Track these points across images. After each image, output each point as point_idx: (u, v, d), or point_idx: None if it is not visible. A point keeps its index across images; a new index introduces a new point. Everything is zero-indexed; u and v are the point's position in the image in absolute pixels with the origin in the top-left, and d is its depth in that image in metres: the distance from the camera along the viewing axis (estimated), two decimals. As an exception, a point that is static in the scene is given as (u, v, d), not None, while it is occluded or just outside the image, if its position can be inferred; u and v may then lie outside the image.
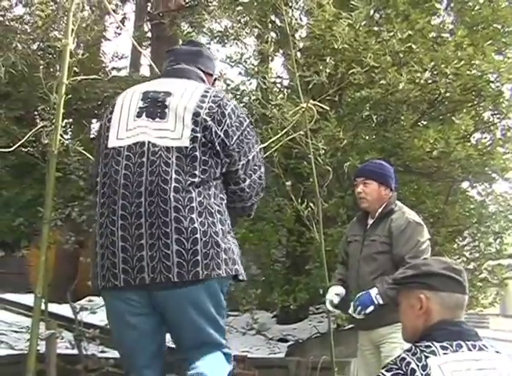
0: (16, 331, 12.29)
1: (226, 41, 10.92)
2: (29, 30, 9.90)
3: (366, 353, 5.41)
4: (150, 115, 3.45)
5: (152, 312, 3.35)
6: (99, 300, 13.10)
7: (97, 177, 3.44)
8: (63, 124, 9.92)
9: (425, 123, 9.67)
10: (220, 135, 3.47)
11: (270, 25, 10.08)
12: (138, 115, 3.46)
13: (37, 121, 10.26)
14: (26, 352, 10.84)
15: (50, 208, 4.47)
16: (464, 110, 9.58)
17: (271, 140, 6.32)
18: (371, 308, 5.00)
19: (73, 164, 8.74)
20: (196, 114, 3.43)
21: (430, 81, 9.07)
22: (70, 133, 11.36)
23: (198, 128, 3.41)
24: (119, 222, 3.25)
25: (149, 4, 15.33)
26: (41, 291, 4.22)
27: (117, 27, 13.50)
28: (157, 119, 3.44)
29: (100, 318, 11.45)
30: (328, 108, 8.10)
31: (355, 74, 8.62)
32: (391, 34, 9.05)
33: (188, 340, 3.41)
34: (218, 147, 3.46)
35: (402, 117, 9.24)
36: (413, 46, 9.05)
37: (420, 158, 8.99)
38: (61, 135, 9.75)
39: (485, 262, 10.27)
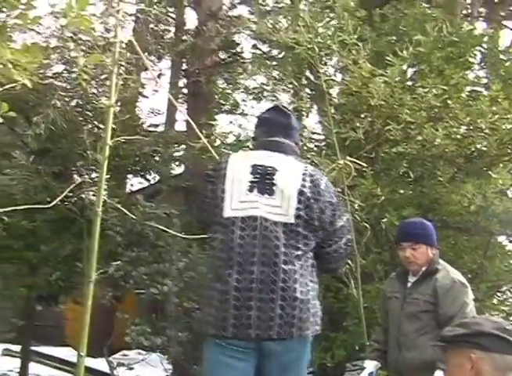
0: (51, 385, 12.40)
1: (262, 97, 11.01)
2: (68, 87, 10.03)
3: (407, 413, 5.35)
4: (261, 191, 3.96)
5: (246, 358, 3.92)
6: (133, 354, 13.16)
7: (214, 240, 3.99)
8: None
9: (462, 178, 9.60)
10: (318, 212, 4.01)
11: (305, 81, 10.12)
12: (250, 190, 3.97)
13: (75, 176, 10.44)
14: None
15: (94, 267, 4.50)
16: (501, 165, 9.52)
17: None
18: None
19: (111, 219, 8.85)
20: (300, 193, 3.96)
21: (466, 136, 9.04)
22: (107, 189, 11.44)
23: (301, 206, 3.94)
24: (233, 284, 3.81)
25: (185, 60, 15.50)
26: (84, 350, 4.21)
27: (155, 84, 13.64)
28: (266, 195, 3.95)
29: (136, 373, 11.47)
30: (365, 165, 8.15)
31: (392, 131, 8.63)
32: (426, 90, 9.07)
33: None
34: (316, 223, 4.01)
35: (439, 172, 9.21)
36: (449, 101, 9.06)
37: (458, 213, 8.94)
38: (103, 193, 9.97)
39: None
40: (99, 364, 11.38)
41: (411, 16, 10.07)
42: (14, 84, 4.49)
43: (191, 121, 6.06)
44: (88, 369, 9.92)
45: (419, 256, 5.27)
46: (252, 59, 12.10)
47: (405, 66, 9.78)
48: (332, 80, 9.32)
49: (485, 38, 10.13)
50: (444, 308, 5.10)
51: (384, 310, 5.57)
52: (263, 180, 4.00)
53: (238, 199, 3.96)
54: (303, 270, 3.96)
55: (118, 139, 4.91)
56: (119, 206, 7.78)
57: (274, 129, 4.26)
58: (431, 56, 9.51)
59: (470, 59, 10.05)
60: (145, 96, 13.33)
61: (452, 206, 8.87)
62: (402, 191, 9.29)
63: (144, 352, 12.42)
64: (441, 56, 9.62)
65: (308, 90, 10.50)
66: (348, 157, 7.27)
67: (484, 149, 9.20)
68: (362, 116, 8.92)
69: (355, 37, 8.58)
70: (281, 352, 3.91)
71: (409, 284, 5.37)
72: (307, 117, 10.60)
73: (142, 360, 9.70)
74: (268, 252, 3.87)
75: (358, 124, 8.71)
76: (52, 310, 13.80)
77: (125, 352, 13.60)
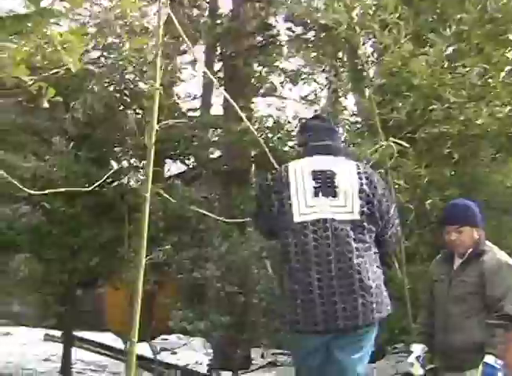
0: (93, 370, 12.42)
1: (299, 80, 10.91)
2: (106, 73, 10.02)
3: (454, 396, 5.27)
4: (325, 194, 4.31)
5: (323, 347, 4.34)
6: (173, 339, 13.18)
7: (287, 246, 4.31)
8: (141, 165, 10.04)
9: (504, 157, 9.46)
10: (377, 206, 4.39)
11: (344, 62, 10.00)
12: (316, 194, 4.31)
13: (114, 162, 10.43)
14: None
15: (144, 252, 4.45)
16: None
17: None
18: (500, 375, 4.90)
19: (153, 205, 8.82)
20: (360, 192, 4.34)
21: (509, 115, 8.88)
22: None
23: (363, 203, 4.33)
24: (315, 283, 4.18)
25: (219, 44, 15.39)
26: (135, 336, 4.16)
27: (192, 68, 13.60)
28: (331, 197, 4.30)
29: (177, 357, 11.52)
30: (407, 145, 8.04)
31: (434, 111, 8.50)
32: (467, 69, 8.93)
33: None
34: (377, 215, 4.39)
35: (481, 153, 9.07)
36: (490, 80, 8.90)
37: (501, 193, 8.80)
38: (138, 176, 9.96)
39: None
40: (140, 349, 11.42)
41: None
42: (58, 70, 4.45)
43: (232, 102, 5.96)
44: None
45: (464, 239, 5.20)
46: (288, 42, 11.99)
47: (444, 46, 9.64)
48: (373, 60, 9.14)
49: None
50: (491, 290, 5.02)
51: (430, 293, 5.48)
52: (325, 184, 4.35)
53: (305, 204, 4.31)
54: (371, 260, 4.34)
55: (166, 122, 4.84)
56: (160, 191, 7.71)
57: (320, 134, 4.61)
58: (471, 34, 9.34)
59: (511, 37, 9.89)
60: (182, 80, 13.26)
61: (495, 186, 8.71)
62: (444, 172, 9.13)
63: (183, 337, 12.48)
64: (481, 34, 9.46)
65: (346, 71, 10.39)
66: (391, 138, 7.19)
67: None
68: (404, 97, 8.78)
69: (396, 16, 8.42)
70: (358, 336, 4.34)
71: (455, 267, 5.29)
72: (345, 98, 10.47)
73: (185, 345, 9.67)
74: (341, 249, 4.24)
75: (400, 105, 8.60)
76: (90, 296, 13.87)
77: (165, 336, 13.63)
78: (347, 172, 4.43)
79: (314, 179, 4.37)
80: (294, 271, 4.28)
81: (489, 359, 4.88)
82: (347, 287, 4.23)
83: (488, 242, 5.32)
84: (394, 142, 6.82)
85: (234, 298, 8.70)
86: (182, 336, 12.54)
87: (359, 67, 8.45)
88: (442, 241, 5.46)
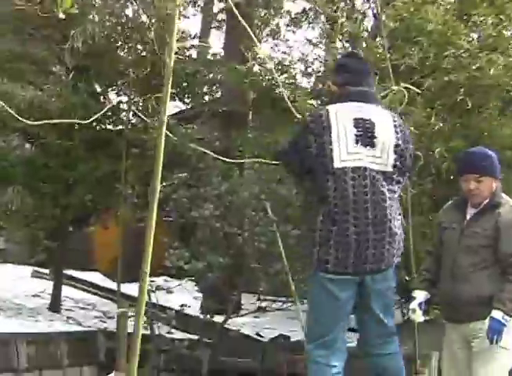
0: (82, 308, 12.31)
1: (309, 21, 10.67)
2: (107, 4, 9.73)
3: (455, 348, 5.08)
4: (364, 144, 4.39)
5: (350, 288, 4.46)
6: (161, 282, 13.04)
7: (326, 189, 4.37)
8: (141, 100, 9.81)
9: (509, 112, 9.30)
10: (408, 159, 4.57)
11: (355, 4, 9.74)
12: (356, 142, 4.37)
13: (114, 96, 10.18)
14: (93, 329, 10.98)
15: (158, 184, 4.25)
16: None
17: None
18: (504, 330, 4.75)
19: (152, 141, 8.63)
20: (395, 146, 4.46)
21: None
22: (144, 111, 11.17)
23: (396, 157, 4.46)
24: (352, 228, 4.33)
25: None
26: (147, 267, 4.00)
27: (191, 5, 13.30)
28: (368, 147, 4.39)
29: (166, 299, 11.36)
30: (419, 91, 7.84)
31: (447, 58, 8.32)
32: (482, 18, 8.72)
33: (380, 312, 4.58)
34: (405, 168, 4.57)
35: (490, 105, 8.89)
36: (504, 32, 8.71)
37: (509, 147, 8.64)
38: (138, 111, 9.71)
39: None
40: (128, 289, 11.30)
41: None
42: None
43: (250, 31, 5.61)
44: (124, 295, 9.86)
45: (484, 188, 4.96)
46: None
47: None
48: (387, 4, 8.88)
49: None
50: (505, 244, 4.83)
51: (439, 240, 5.23)
52: (365, 133, 4.40)
53: (346, 151, 4.36)
54: (397, 209, 4.51)
55: (183, 44, 4.61)
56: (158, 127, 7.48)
57: (358, 78, 4.59)
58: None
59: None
60: (185, 16, 12.97)
61: (503, 140, 8.55)
62: (451, 122, 8.97)
63: (169, 279, 12.35)
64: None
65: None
66: (402, 83, 7.00)
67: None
68: (416, 43, 8.59)
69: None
70: (381, 280, 4.51)
71: (468, 216, 5.05)
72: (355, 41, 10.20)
73: (179, 285, 9.54)
74: (376, 198, 4.38)
75: (411, 51, 8.41)
76: (80, 234, 13.70)
77: (152, 278, 13.47)
78: (385, 124, 4.50)
79: (355, 127, 4.41)
80: (333, 213, 4.38)
81: (497, 314, 4.73)
82: (379, 234, 4.41)
83: (504, 195, 5.10)
84: (405, 87, 6.55)
85: (232, 240, 8.54)
86: (168, 278, 12.42)
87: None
88: (460, 189, 5.28)
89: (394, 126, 4.51)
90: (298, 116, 5.71)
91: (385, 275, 4.53)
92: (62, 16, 3.75)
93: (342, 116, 4.43)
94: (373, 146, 4.42)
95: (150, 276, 10.59)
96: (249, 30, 4.85)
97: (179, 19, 12.63)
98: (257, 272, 8.70)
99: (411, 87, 6.81)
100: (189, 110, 12.43)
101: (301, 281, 8.20)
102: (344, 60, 4.90)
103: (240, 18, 4.64)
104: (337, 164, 4.36)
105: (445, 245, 5.17)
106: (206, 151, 7.28)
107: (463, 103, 8.75)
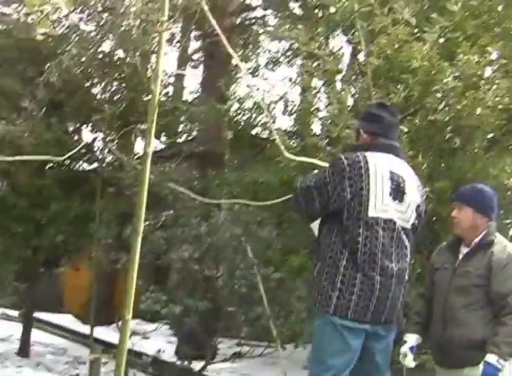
0: (53, 353, 11.91)
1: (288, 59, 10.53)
2: (84, 39, 9.48)
3: (447, 393, 4.95)
4: (396, 197, 4.50)
5: (359, 337, 4.48)
6: (132, 325, 12.64)
7: (357, 236, 4.40)
8: (116, 137, 9.54)
9: (499, 151, 9.17)
10: (422, 220, 4.72)
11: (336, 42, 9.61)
12: (390, 195, 4.47)
13: (88, 133, 9.90)
14: (64, 375, 10.57)
15: (142, 221, 3.99)
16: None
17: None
18: (500, 375, 4.58)
19: (128, 179, 8.36)
20: (418, 206, 4.64)
21: (506, 108, 8.58)
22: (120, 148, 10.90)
23: (416, 216, 4.61)
24: (377, 278, 4.38)
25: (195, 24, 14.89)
26: (129, 315, 3.71)
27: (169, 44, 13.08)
28: (397, 202, 4.51)
29: (140, 344, 10.98)
30: (406, 129, 7.68)
31: (430, 97, 8.18)
32: (466, 57, 8.60)
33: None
34: (418, 227, 4.71)
35: (475, 144, 8.74)
36: (488, 71, 8.60)
37: (494, 188, 8.46)
38: (113, 149, 9.45)
39: None
40: (100, 333, 10.92)
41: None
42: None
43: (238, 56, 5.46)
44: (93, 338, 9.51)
45: (462, 218, 4.93)
46: (277, 21, 11.62)
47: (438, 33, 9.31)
48: (370, 42, 8.72)
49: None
50: (497, 284, 4.69)
51: (431, 281, 5.12)
52: (398, 188, 4.51)
53: (381, 201, 4.45)
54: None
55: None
56: (136, 165, 7.24)
57: (390, 131, 4.68)
58: (465, 24, 9.04)
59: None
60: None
61: (490, 181, 8.37)
62: (436, 162, 8.80)
63: (142, 323, 12.01)
64: (476, 24, 9.15)
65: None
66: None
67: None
68: (399, 81, 8.44)
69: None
70: (390, 331, 4.61)
71: (460, 256, 4.94)
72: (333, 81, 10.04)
73: (155, 330, 9.18)
74: (401, 252, 4.51)
75: (395, 90, 8.26)
76: (50, 275, 13.35)
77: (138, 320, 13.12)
78: (412, 181, 4.65)
79: (391, 179, 4.50)
80: (361, 261, 4.42)
81: (491, 358, 4.54)
82: (399, 285, 4.50)
83: (498, 234, 4.99)
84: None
85: (210, 283, 8.24)
86: (141, 321, 12.09)
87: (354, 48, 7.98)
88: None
89: (418, 186, 4.70)
90: (287, 155, 5.59)
91: (393, 326, 4.61)
92: (40, 37, 3.53)
93: (380, 166, 4.49)
94: (401, 201, 4.54)
95: (119, 319, 10.17)
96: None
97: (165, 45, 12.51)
98: (237, 316, 8.40)
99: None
100: (166, 149, 12.22)
101: (282, 326, 7.99)
102: (378, 111, 4.83)
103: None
104: (371, 213, 4.43)
105: (436, 286, 5.05)
106: (184, 191, 7.04)
107: (449, 142, 8.61)
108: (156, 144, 11.92)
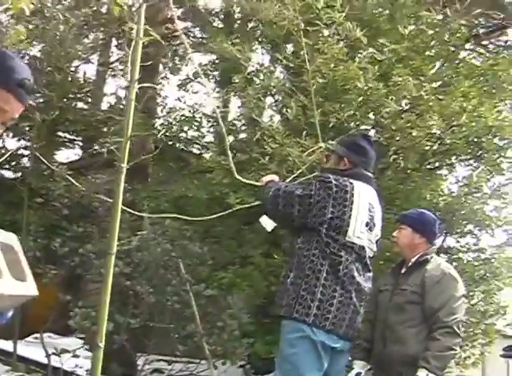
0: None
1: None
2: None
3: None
4: (369, 228, 4.72)
5: (328, 355, 4.61)
6: (47, 339, 12.21)
7: (338, 253, 4.59)
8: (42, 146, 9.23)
9: (431, 172, 9.31)
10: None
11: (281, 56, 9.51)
12: (367, 225, 4.69)
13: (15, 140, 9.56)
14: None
15: (115, 239, 3.83)
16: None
17: (288, 180, 5.81)
18: None
19: (58, 190, 8.07)
20: (378, 238, 4.88)
21: (441, 131, 8.73)
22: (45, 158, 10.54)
23: (375, 247, 4.85)
24: (354, 299, 4.59)
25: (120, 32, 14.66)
26: (102, 341, 3.53)
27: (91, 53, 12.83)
28: (369, 231, 4.72)
29: (56, 360, 10.60)
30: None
31: (368, 117, 8.24)
32: (401, 79, 8.69)
33: None
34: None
35: (409, 165, 8.85)
36: (423, 93, 8.71)
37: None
38: (43, 159, 9.11)
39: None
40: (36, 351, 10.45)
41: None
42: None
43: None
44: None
45: (401, 237, 5.25)
46: (212, 33, 11.53)
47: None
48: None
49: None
50: (430, 300, 4.87)
51: (374, 304, 5.21)
52: (372, 219, 4.73)
53: (359, 229, 4.63)
54: None
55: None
56: (67, 176, 7.01)
57: (369, 163, 4.90)
58: (399, 47, 9.16)
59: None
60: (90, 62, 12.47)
61: (421, 201, 8.50)
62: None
63: (56, 337, 11.63)
64: (407, 47, 9.28)
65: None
66: (329, 142, 6.94)
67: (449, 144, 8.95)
68: (335, 100, 8.49)
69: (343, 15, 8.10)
70: (347, 351, 4.78)
71: (400, 276, 5.16)
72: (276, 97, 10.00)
73: (82, 347, 8.81)
74: (369, 275, 4.76)
75: (331, 109, 8.30)
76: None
77: (37, 335, 12.67)
78: (379, 214, 4.86)
79: (369, 210, 4.70)
80: (342, 275, 4.59)
81: (421, 373, 4.67)
82: (364, 305, 4.71)
83: (435, 255, 5.28)
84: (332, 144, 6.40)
85: (141, 299, 8.01)
86: (53, 335, 11.71)
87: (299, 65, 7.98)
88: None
89: (382, 216, 4.92)
90: (238, 177, 5.46)
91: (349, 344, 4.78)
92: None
93: (363, 196, 4.68)
94: (371, 231, 4.74)
95: (30, 333, 9.72)
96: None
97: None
98: (168, 333, 8.20)
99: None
100: (88, 159, 11.90)
101: (214, 343, 7.86)
102: (363, 143, 4.99)
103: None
104: (349, 237, 4.60)
105: (378, 307, 5.20)
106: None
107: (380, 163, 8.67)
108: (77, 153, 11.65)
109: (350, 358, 5.19)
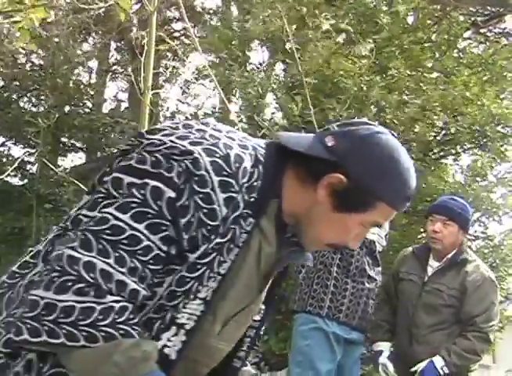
0: None
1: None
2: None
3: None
4: None
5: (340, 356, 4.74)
6: None
7: (351, 251, 4.66)
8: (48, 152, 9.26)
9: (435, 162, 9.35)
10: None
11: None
12: None
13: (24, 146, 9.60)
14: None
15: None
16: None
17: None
18: None
19: (67, 195, 8.10)
20: (387, 229, 5.08)
21: (443, 122, 8.75)
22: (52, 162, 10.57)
23: (385, 238, 5.02)
24: (366, 291, 4.75)
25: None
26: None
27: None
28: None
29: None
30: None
31: (365, 112, 8.25)
32: (397, 71, 8.71)
33: None
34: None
35: (413, 156, 8.85)
36: (421, 84, 8.72)
37: (425, 200, 8.56)
38: (53, 166, 9.15)
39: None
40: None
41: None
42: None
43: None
44: None
45: (447, 234, 4.59)
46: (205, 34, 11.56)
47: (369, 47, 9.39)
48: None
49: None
50: (469, 305, 4.53)
51: (395, 290, 4.85)
52: None
53: None
54: None
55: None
56: (75, 180, 7.04)
57: None
58: (401, 39, 9.16)
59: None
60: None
61: (429, 190, 8.51)
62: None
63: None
64: (409, 39, 9.29)
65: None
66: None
67: (453, 133, 8.98)
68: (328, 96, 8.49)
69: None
70: (361, 342, 4.91)
71: (429, 269, 4.70)
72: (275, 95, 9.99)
73: None
74: (377, 269, 4.86)
75: (328, 106, 8.27)
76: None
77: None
78: None
79: None
80: (353, 268, 4.70)
81: (438, 361, 4.45)
82: (375, 297, 4.85)
83: (469, 251, 4.85)
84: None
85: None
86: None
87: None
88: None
89: None
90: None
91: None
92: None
93: None
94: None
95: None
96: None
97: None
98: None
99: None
100: (88, 164, 11.94)
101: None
102: None
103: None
104: None
105: (401, 298, 4.80)
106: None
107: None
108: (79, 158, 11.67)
109: (372, 340, 5.03)
